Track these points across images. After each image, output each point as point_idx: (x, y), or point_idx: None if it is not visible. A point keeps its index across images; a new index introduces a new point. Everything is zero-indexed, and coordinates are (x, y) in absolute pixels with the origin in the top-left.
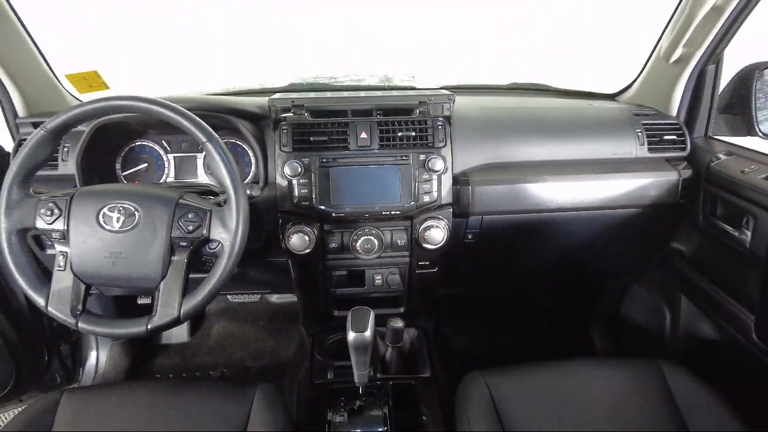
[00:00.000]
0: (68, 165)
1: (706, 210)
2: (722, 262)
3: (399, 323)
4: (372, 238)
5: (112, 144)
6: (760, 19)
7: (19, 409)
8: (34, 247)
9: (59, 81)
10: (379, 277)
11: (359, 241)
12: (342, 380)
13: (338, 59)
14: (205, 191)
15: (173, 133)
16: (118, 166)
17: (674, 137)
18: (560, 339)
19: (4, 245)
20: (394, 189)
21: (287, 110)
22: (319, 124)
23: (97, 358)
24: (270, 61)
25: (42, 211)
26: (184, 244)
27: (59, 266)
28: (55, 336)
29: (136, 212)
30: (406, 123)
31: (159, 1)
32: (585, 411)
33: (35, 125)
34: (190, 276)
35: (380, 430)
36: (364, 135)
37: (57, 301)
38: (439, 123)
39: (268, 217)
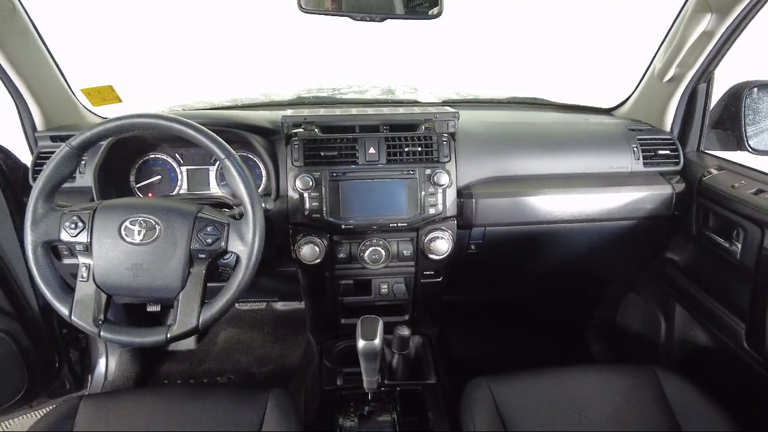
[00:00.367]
0: (85, 177)
1: (698, 222)
2: (714, 272)
3: (405, 331)
4: (379, 248)
5: (127, 157)
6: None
7: (30, 415)
8: None
9: (74, 94)
10: (385, 286)
11: (367, 252)
12: (351, 386)
13: (340, 70)
14: (218, 203)
15: (186, 146)
16: (132, 178)
17: (668, 152)
18: (558, 345)
19: (30, 257)
20: (401, 202)
21: (298, 126)
22: (328, 139)
23: (107, 365)
24: (274, 71)
25: (66, 224)
26: (203, 256)
27: (82, 277)
28: (65, 342)
29: (156, 225)
30: (412, 139)
31: (162, 14)
32: (585, 416)
33: (53, 139)
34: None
35: None
36: (372, 150)
37: (80, 311)
38: (444, 139)
39: (279, 229)
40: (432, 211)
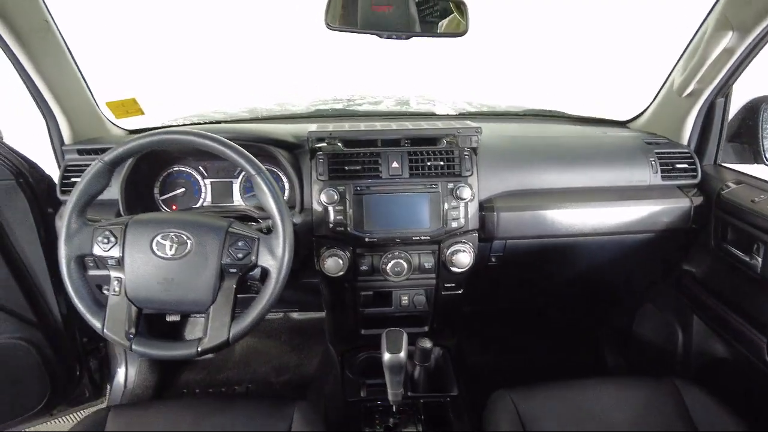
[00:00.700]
0: (112, 190)
1: (717, 235)
2: (734, 285)
3: (427, 343)
4: (401, 261)
5: (152, 170)
6: None
7: (50, 423)
8: None
9: (99, 107)
10: (406, 298)
11: (389, 264)
12: (375, 398)
13: (352, 78)
14: (242, 216)
15: (210, 159)
16: (156, 190)
17: (686, 165)
18: (573, 354)
19: (64, 271)
20: (424, 215)
21: (322, 140)
22: (352, 153)
23: (126, 374)
24: (287, 79)
25: (99, 238)
26: (234, 270)
27: (114, 291)
28: (86, 352)
29: (188, 240)
30: (434, 153)
31: (174, 24)
32: (608, 429)
33: (80, 152)
34: None
35: None
36: (395, 164)
37: (112, 324)
38: (466, 153)
39: (303, 241)
40: (454, 224)
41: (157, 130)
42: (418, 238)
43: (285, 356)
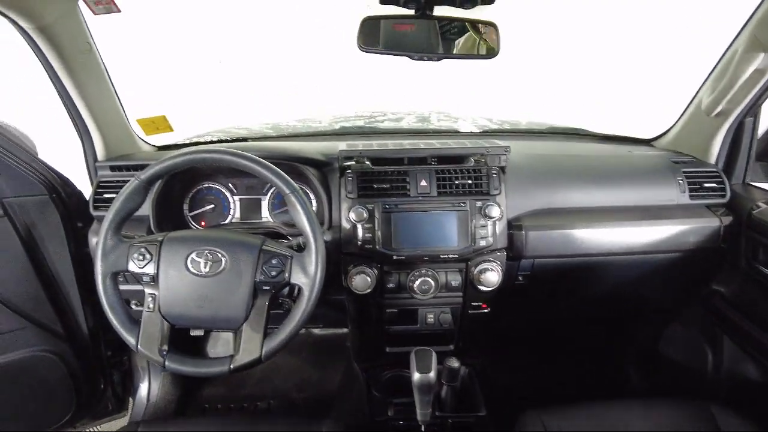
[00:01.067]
0: (143, 207)
1: (748, 255)
2: (766, 306)
3: (455, 363)
4: (429, 279)
5: (183, 186)
6: None
7: None
8: None
9: (130, 124)
10: (432, 316)
11: (417, 282)
12: (402, 417)
13: (371, 93)
14: (271, 232)
15: (239, 177)
16: (185, 207)
17: (714, 185)
18: (598, 372)
19: (100, 287)
20: (452, 234)
21: (351, 158)
22: (381, 172)
23: (149, 388)
24: (312, 99)
25: (135, 255)
26: (267, 287)
27: (148, 308)
28: (110, 365)
29: (222, 258)
30: (462, 171)
31: (199, 43)
32: None
33: (112, 168)
34: None
35: None
36: (424, 183)
37: (146, 340)
38: (494, 172)
39: (331, 258)
40: (483, 243)
41: (191, 149)
42: (446, 256)
43: (306, 372)
